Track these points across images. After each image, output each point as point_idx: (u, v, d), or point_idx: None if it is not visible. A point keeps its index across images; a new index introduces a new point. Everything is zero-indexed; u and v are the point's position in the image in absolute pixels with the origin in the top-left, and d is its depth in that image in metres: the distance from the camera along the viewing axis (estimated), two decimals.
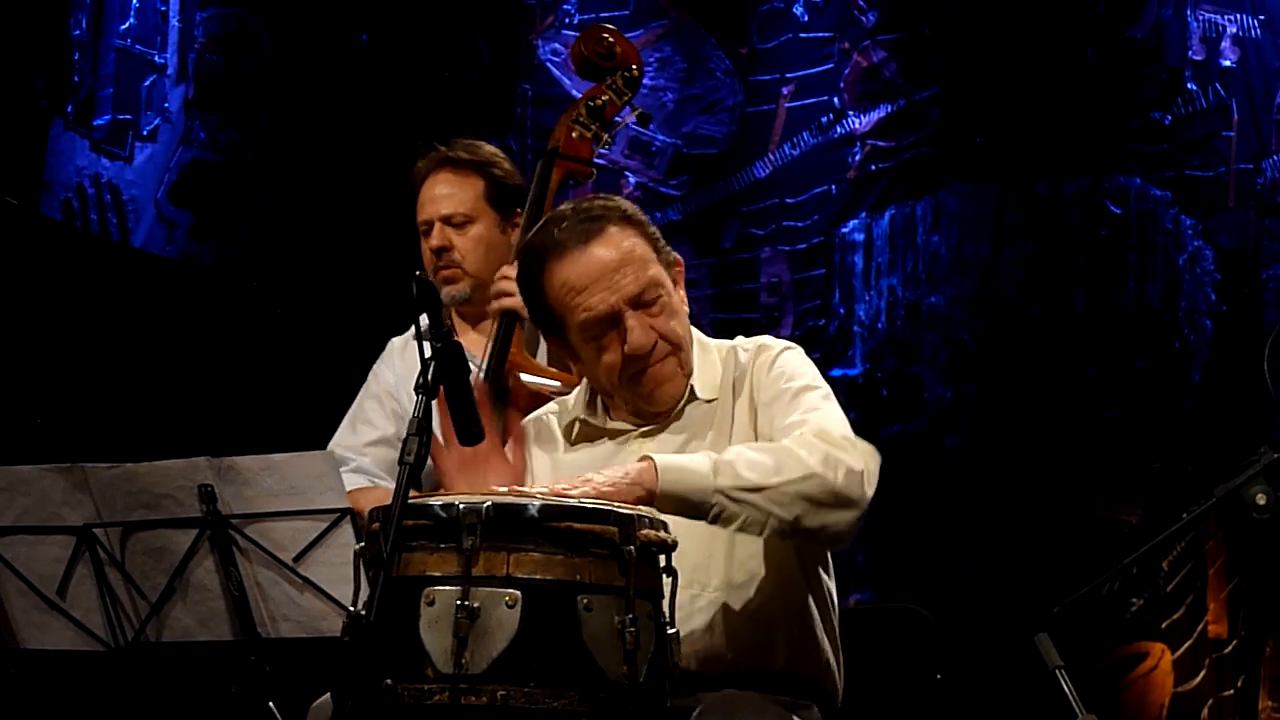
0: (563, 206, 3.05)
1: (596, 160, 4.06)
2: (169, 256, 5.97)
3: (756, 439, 2.98)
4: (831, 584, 3.08)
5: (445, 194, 3.94)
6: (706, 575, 2.93)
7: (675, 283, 3.04)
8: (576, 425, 3.10)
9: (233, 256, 6.04)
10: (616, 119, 4.07)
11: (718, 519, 2.75)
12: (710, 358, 3.08)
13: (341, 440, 3.97)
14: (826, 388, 3.00)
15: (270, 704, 3.22)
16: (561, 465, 3.09)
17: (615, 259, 2.94)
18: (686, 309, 3.07)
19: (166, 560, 3.21)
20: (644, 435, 3.04)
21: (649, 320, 2.96)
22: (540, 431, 3.16)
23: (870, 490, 2.82)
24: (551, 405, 3.23)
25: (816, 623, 3.01)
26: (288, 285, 5.75)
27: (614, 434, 3.07)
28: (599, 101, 4.01)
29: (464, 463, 3.06)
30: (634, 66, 4.03)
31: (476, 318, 3.97)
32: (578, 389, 3.18)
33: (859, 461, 2.81)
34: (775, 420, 2.95)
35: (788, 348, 3.06)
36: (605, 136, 4.03)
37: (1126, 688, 5.01)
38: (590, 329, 2.96)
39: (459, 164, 3.96)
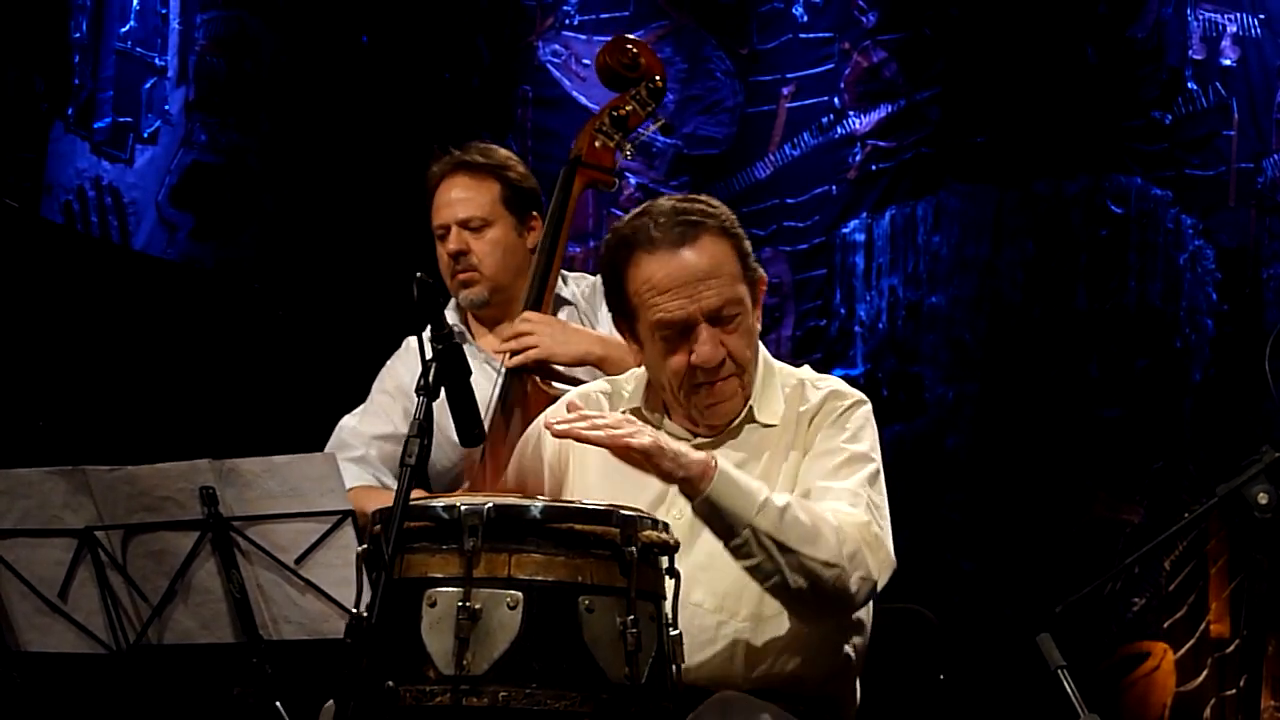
0: (663, 201, 3.02)
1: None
2: (170, 259, 5.97)
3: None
4: (868, 628, 3.07)
5: (462, 198, 3.94)
6: (736, 604, 2.92)
7: (756, 301, 3.02)
8: (627, 415, 3.06)
9: (234, 259, 6.03)
10: (640, 129, 4.08)
11: (736, 551, 2.74)
12: (774, 383, 3.06)
13: (349, 423, 3.98)
14: (879, 463, 2.99)
15: (278, 704, 3.21)
16: None
17: (704, 269, 2.93)
18: (759, 328, 3.05)
19: (168, 563, 3.21)
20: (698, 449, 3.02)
21: (721, 336, 2.94)
22: (589, 407, 3.10)
23: (869, 598, 2.88)
24: (600, 383, 3.21)
25: (841, 658, 3.00)
26: (289, 287, 5.75)
27: (672, 437, 3.03)
28: (623, 111, 4.03)
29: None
30: (658, 77, 4.05)
31: (494, 321, 3.97)
32: (633, 373, 3.17)
33: (875, 571, 2.83)
34: (819, 475, 2.95)
35: (859, 402, 3.04)
36: (628, 146, 4.04)
37: (1128, 687, 5.01)
38: (661, 330, 2.94)
39: (475, 168, 3.96)
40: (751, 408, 3.02)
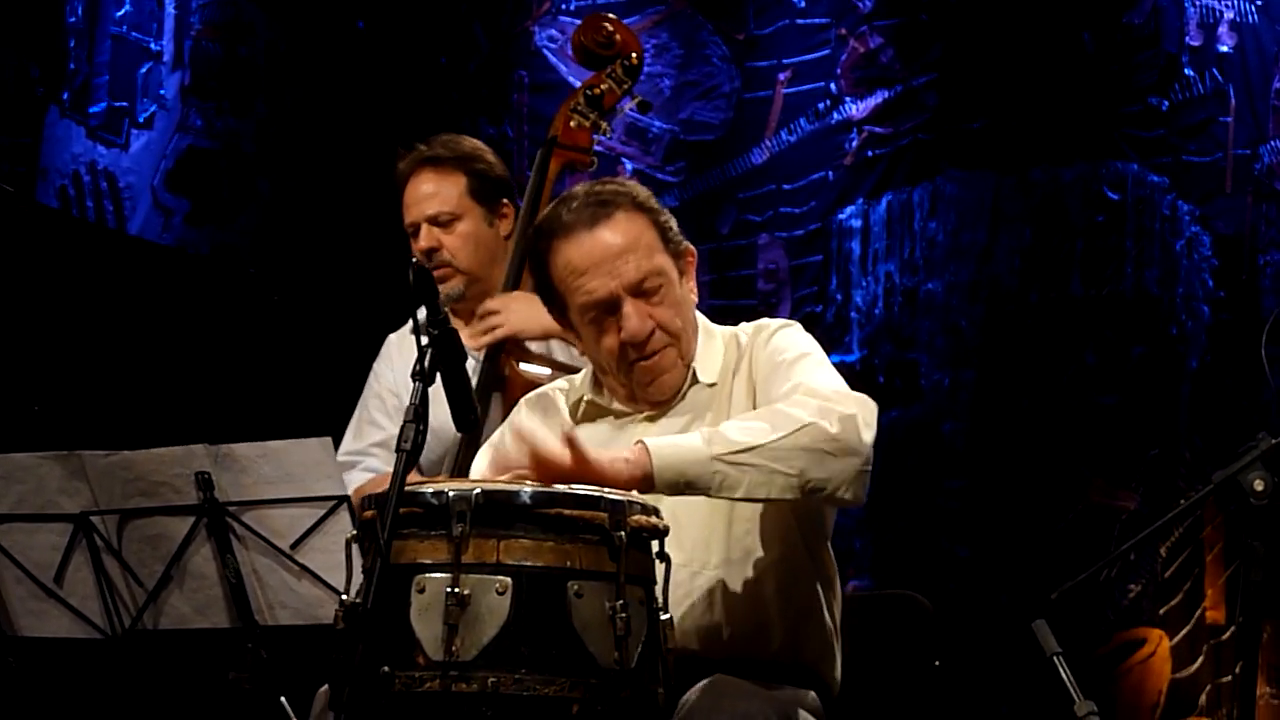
0: (576, 188, 3.06)
1: (595, 148, 4.07)
2: (165, 244, 5.97)
3: None
4: (834, 568, 3.09)
5: (429, 193, 3.93)
6: (707, 553, 2.94)
7: (684, 273, 3.05)
8: (582, 405, 3.11)
9: (229, 244, 6.04)
10: (616, 107, 4.08)
11: (722, 488, 2.71)
12: (714, 343, 3.09)
13: (347, 447, 3.97)
14: (820, 355, 3.00)
15: (283, 699, 3.22)
16: None
17: (619, 245, 2.95)
18: (694, 299, 3.07)
19: (164, 548, 3.22)
20: (648, 419, 3.05)
21: (648, 309, 2.97)
22: (548, 407, 3.15)
23: (869, 436, 2.79)
24: (560, 381, 3.23)
25: (817, 604, 3.02)
26: (284, 272, 5.75)
27: (618, 414, 3.08)
28: (598, 90, 4.02)
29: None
30: (634, 55, 4.03)
31: (470, 314, 3.97)
32: (585, 369, 3.19)
33: (851, 407, 2.79)
34: (770, 392, 2.94)
35: (785, 325, 3.07)
36: (604, 125, 4.04)
37: (1124, 674, 5.01)
38: (589, 311, 2.97)
39: (440, 162, 3.95)
40: (694, 370, 3.04)
